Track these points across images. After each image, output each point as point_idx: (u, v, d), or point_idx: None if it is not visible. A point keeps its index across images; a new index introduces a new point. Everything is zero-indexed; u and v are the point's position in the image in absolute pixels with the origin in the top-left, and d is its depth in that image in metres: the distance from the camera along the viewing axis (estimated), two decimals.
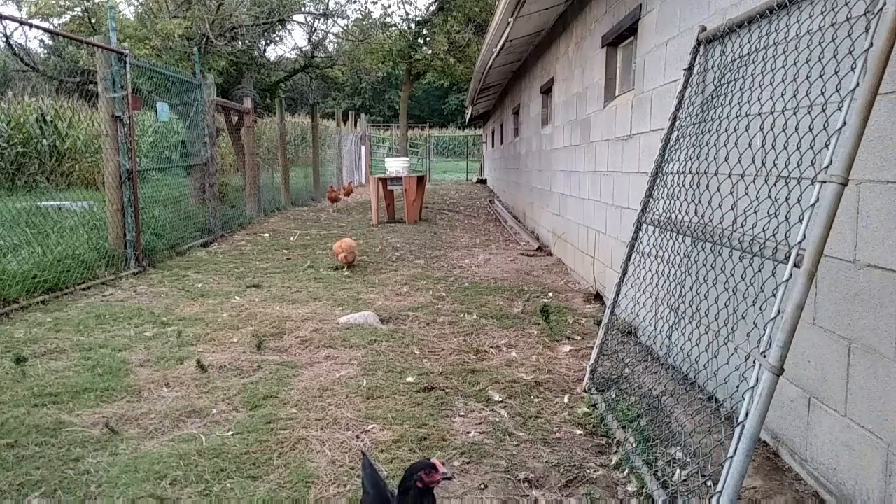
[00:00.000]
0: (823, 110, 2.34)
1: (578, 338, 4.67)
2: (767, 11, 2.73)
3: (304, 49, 19.29)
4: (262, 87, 16.95)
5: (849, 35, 2.24)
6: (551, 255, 8.66)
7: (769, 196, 2.64)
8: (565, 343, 4.55)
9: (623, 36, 5.60)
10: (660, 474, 2.55)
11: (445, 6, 21.23)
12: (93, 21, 13.01)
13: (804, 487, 2.53)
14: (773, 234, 2.39)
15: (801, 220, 2.13)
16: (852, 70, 2.11)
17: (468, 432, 3.07)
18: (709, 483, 2.42)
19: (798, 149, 2.42)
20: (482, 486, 2.58)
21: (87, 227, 7.19)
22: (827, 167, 2.06)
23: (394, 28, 22.22)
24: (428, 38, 22.57)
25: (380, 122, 41.31)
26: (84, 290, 5.99)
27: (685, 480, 2.50)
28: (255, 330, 4.71)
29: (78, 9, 12.94)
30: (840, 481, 2.35)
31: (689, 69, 3.59)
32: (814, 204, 2.09)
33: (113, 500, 2.44)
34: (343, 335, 4.58)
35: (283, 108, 15.24)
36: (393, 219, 12.66)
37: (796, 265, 2.08)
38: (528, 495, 2.52)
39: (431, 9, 22.58)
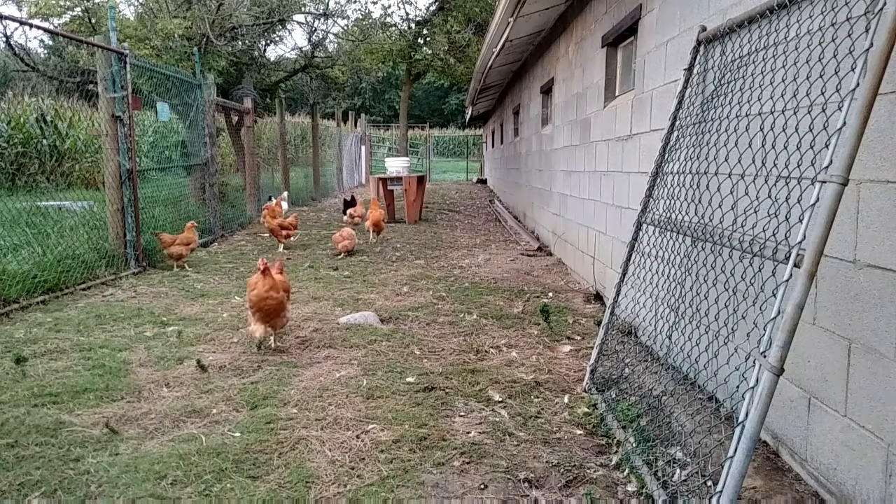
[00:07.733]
0: (823, 110, 2.34)
1: (578, 338, 4.67)
2: (767, 11, 2.73)
3: (304, 49, 19.29)
4: (262, 87, 16.94)
5: (849, 35, 2.24)
6: (551, 255, 8.65)
7: (769, 196, 2.64)
8: (565, 343, 4.55)
9: (623, 36, 5.59)
10: (660, 474, 2.55)
11: (445, 6, 21.22)
12: (93, 21, 13.02)
13: (804, 487, 2.53)
14: (773, 234, 2.39)
15: (801, 220, 2.13)
16: (852, 70, 2.11)
17: (468, 432, 3.07)
18: (709, 483, 2.42)
19: (798, 149, 2.42)
20: (482, 486, 2.58)
21: (87, 227, 7.18)
22: (827, 167, 2.06)
23: (394, 28, 22.21)
24: (428, 38, 22.57)
25: (380, 122, 41.31)
26: (84, 290, 5.98)
27: (685, 480, 2.50)
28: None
29: (78, 9, 12.95)
30: (840, 481, 2.35)
31: (689, 69, 3.59)
32: (814, 204, 2.09)
33: (113, 500, 2.44)
34: (343, 335, 4.58)
35: (283, 108, 15.24)
36: (393, 219, 12.66)
37: (796, 265, 2.08)
38: (528, 495, 2.52)
39: (431, 9, 22.57)
